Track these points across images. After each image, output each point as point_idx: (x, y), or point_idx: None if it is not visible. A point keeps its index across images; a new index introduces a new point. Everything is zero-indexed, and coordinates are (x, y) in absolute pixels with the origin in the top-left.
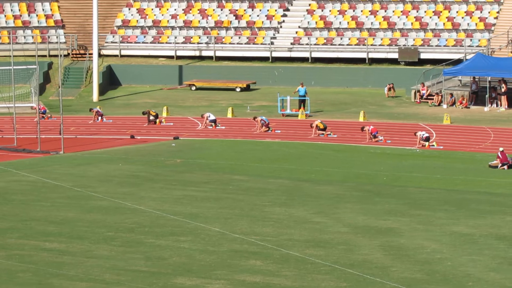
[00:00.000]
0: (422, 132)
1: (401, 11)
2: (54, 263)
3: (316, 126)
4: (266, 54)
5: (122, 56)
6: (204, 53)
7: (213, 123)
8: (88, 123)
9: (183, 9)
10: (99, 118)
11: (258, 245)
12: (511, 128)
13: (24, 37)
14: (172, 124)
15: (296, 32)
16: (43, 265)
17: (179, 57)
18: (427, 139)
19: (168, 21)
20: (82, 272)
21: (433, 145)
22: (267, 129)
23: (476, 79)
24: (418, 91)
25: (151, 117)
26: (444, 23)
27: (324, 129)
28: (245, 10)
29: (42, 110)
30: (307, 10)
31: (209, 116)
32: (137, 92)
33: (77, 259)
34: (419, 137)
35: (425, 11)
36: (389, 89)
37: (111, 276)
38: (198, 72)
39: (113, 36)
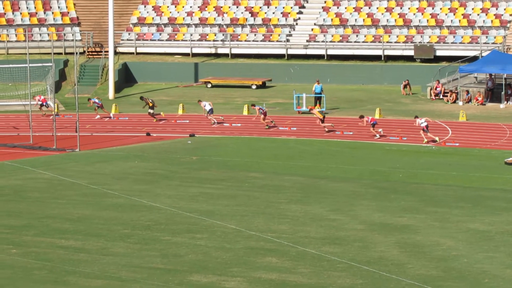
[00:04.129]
0: (422, 120)
1: (417, 8)
2: (70, 261)
3: (316, 114)
4: (282, 51)
5: (137, 53)
6: (220, 51)
7: (209, 113)
8: (95, 118)
9: (198, 7)
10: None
11: (274, 242)
12: None
13: (40, 34)
14: (188, 121)
15: (312, 29)
16: (59, 263)
17: (195, 55)
18: (427, 128)
19: (183, 18)
20: (98, 269)
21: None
22: (265, 117)
23: (492, 76)
24: (433, 88)
25: (147, 107)
26: (459, 20)
27: (323, 120)
28: (260, 7)
29: (43, 103)
30: (322, 7)
31: (205, 106)
32: (153, 89)
33: (93, 257)
34: (418, 124)
35: (440, 8)
36: (405, 86)
37: (127, 273)
38: (214, 70)
39: (129, 34)
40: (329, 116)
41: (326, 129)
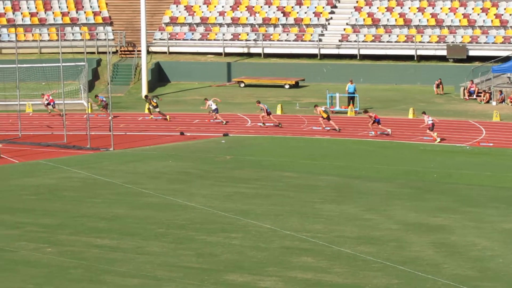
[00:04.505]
0: (429, 119)
1: (449, 8)
2: (106, 260)
3: (319, 112)
4: (314, 51)
5: (170, 53)
6: (252, 50)
7: (215, 113)
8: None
9: (230, 6)
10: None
11: (309, 241)
12: None
13: (73, 34)
14: (221, 121)
15: (344, 29)
16: (95, 261)
17: (227, 54)
18: (433, 126)
19: (216, 18)
20: (134, 268)
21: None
22: (268, 116)
23: None
24: (466, 88)
25: (150, 106)
26: (492, 20)
27: (328, 118)
28: (292, 7)
29: (51, 103)
30: (354, 7)
31: (211, 105)
32: (185, 89)
33: (128, 256)
34: (426, 122)
35: (472, 8)
36: (438, 86)
37: (163, 272)
38: (247, 69)
39: (161, 33)
40: (362, 116)
41: (337, 128)
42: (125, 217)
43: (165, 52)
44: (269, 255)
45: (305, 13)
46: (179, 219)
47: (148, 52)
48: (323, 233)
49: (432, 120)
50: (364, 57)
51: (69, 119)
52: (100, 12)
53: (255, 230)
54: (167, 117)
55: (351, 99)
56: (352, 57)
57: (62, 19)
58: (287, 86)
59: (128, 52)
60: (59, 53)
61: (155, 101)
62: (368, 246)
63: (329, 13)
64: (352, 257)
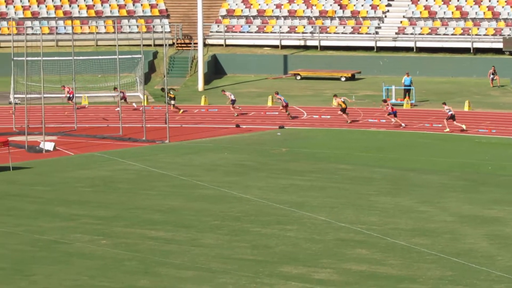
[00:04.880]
0: (448, 108)
1: (505, 1)
2: (160, 252)
3: (338, 104)
4: (371, 43)
5: (227, 45)
6: (309, 43)
7: (232, 104)
8: (115, 110)
9: None
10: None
11: (364, 234)
12: None
13: (129, 26)
14: (277, 113)
15: (401, 22)
16: (149, 254)
17: (284, 47)
18: (452, 117)
19: (272, 10)
20: (188, 260)
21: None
22: (286, 108)
23: None
24: None
25: (169, 100)
26: None
27: (345, 110)
28: (349, 0)
29: (69, 95)
30: (411, 0)
31: (231, 95)
32: (242, 81)
33: (183, 248)
34: (446, 110)
35: None
36: (493, 75)
37: (217, 264)
38: (303, 62)
39: (218, 26)
40: (418, 108)
41: (348, 121)
42: (180, 209)
43: (221, 45)
44: (323, 247)
45: (362, 5)
46: (234, 211)
47: (205, 45)
48: (377, 225)
49: (451, 111)
50: (421, 49)
51: (125, 111)
52: (157, 4)
53: (310, 222)
54: (181, 110)
55: (407, 92)
56: (408, 49)
57: (118, 11)
58: (343, 79)
59: (185, 45)
60: (115, 45)
61: (172, 93)
62: (422, 238)
63: (386, 5)
64: (406, 249)
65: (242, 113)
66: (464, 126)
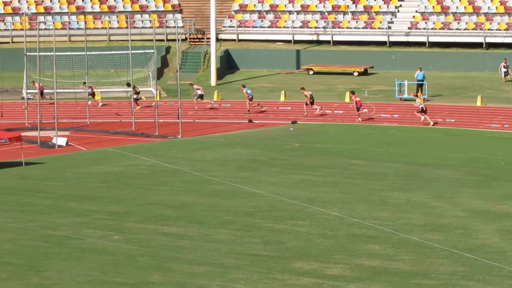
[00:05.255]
0: (419, 102)
1: None
2: (173, 247)
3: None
4: (384, 38)
5: (239, 40)
6: (322, 38)
7: (200, 99)
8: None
9: None
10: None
11: (376, 229)
12: None
13: (142, 21)
14: (289, 108)
15: (413, 17)
16: (162, 249)
17: (297, 42)
18: (423, 111)
19: (285, 5)
20: (201, 256)
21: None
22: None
23: None
24: None
25: (135, 95)
26: None
27: (312, 103)
28: None
29: (41, 90)
30: None
31: (198, 89)
32: (254, 76)
33: (196, 243)
34: (417, 103)
35: None
36: (505, 67)
37: (230, 260)
38: (316, 57)
39: (231, 21)
40: (430, 103)
41: (318, 111)
42: (192, 205)
43: (234, 40)
44: (336, 243)
45: (375, 0)
46: (247, 207)
47: (217, 40)
48: (390, 220)
49: (422, 104)
50: (433, 44)
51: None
52: None
53: (322, 217)
54: (139, 106)
55: (419, 87)
56: (421, 44)
57: (131, 6)
58: (356, 74)
59: (197, 40)
60: (128, 40)
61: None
62: (434, 233)
63: (399, 0)
64: (418, 245)
65: (261, 111)
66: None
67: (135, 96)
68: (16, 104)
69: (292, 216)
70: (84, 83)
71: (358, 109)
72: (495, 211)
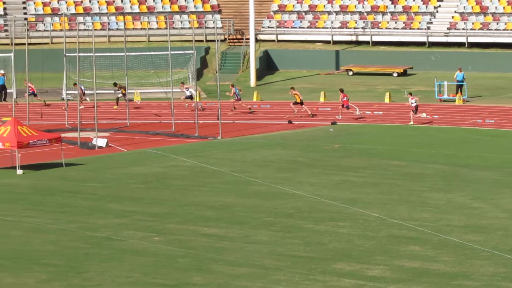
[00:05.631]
0: (413, 100)
1: None
2: (213, 248)
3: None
4: (423, 39)
5: (278, 41)
6: (361, 38)
7: (189, 99)
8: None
9: None
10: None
11: (416, 230)
12: None
13: (181, 22)
14: (329, 109)
15: (452, 17)
16: (202, 250)
17: (336, 42)
18: (416, 109)
19: (324, 6)
20: (242, 257)
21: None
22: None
23: None
24: None
25: (120, 95)
26: None
27: (301, 103)
28: None
29: (31, 91)
30: None
31: (187, 90)
32: (294, 77)
33: (236, 244)
34: (410, 102)
35: None
36: None
37: (271, 261)
38: (355, 57)
39: (270, 21)
40: (470, 104)
41: (295, 111)
42: (233, 206)
43: (273, 40)
44: (376, 244)
45: (414, 0)
46: (287, 208)
47: (257, 40)
48: (430, 221)
49: (416, 103)
50: (472, 45)
51: (177, 108)
52: (209, 0)
53: (363, 218)
54: (115, 106)
55: (459, 87)
56: (460, 45)
57: (170, 7)
58: (395, 74)
59: (237, 40)
60: (167, 41)
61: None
62: (475, 234)
63: (438, 0)
64: (459, 246)
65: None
66: (424, 114)
67: (119, 96)
68: (56, 105)
69: (332, 217)
70: (75, 84)
71: (347, 108)
72: None
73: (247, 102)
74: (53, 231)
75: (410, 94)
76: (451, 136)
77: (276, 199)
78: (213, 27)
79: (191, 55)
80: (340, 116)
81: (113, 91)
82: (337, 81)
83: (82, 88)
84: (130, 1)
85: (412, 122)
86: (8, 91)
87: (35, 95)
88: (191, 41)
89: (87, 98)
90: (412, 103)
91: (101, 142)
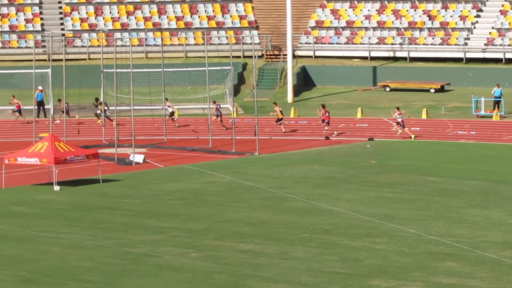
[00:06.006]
0: (400, 116)
1: None
2: (250, 265)
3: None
4: (460, 55)
5: (316, 57)
6: (398, 54)
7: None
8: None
9: (376, 10)
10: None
11: (453, 246)
12: None
13: (218, 38)
14: (366, 125)
15: (490, 33)
16: (239, 267)
17: (373, 58)
18: (403, 123)
19: (361, 21)
20: (278, 273)
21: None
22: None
23: None
24: None
25: (99, 111)
26: None
27: (281, 119)
28: (438, 11)
29: (16, 109)
30: (500, 10)
31: (169, 107)
32: (331, 93)
33: (273, 261)
34: (396, 116)
35: None
36: None
37: (307, 277)
38: (392, 73)
39: (307, 37)
40: (507, 120)
41: (283, 130)
42: (269, 222)
43: (310, 56)
44: (413, 260)
45: (451, 16)
46: (324, 224)
47: (294, 56)
48: (467, 238)
49: (401, 118)
50: (510, 61)
51: (214, 124)
52: (246, 16)
53: (399, 235)
54: (99, 121)
55: (496, 103)
56: (497, 61)
57: (208, 23)
58: (432, 90)
59: (274, 56)
60: (204, 57)
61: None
62: None
63: (475, 16)
64: (496, 262)
65: (334, 129)
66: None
67: (97, 112)
68: (93, 121)
69: (369, 234)
70: (59, 100)
71: (328, 123)
72: None
73: (285, 118)
74: (90, 247)
75: (398, 108)
76: (489, 152)
77: (313, 216)
78: (251, 43)
79: (228, 71)
80: (326, 129)
81: (148, 107)
82: (374, 97)
83: (66, 104)
84: (167, 17)
85: (400, 131)
86: (45, 107)
87: (20, 112)
88: (228, 57)
89: (72, 115)
90: (397, 118)
91: (138, 158)
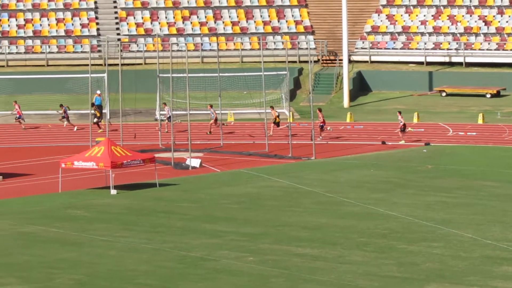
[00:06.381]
0: (401, 120)
1: None
2: (307, 268)
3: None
4: None
5: (372, 62)
6: (454, 59)
7: (168, 120)
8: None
9: (432, 15)
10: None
11: (510, 251)
12: None
13: (274, 43)
14: (423, 130)
15: None
16: (296, 270)
17: (429, 63)
18: (404, 127)
19: (417, 27)
20: (335, 277)
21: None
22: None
23: None
24: None
25: (95, 119)
26: None
27: (277, 123)
28: (494, 16)
29: (17, 115)
30: None
31: (169, 110)
32: (387, 98)
33: (330, 265)
34: (400, 121)
35: None
36: None
37: (364, 282)
38: (448, 78)
39: (363, 42)
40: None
41: (271, 133)
42: (326, 226)
43: (366, 61)
44: (470, 264)
45: (507, 22)
46: (381, 228)
47: (350, 61)
48: None
49: (403, 122)
50: None
51: (270, 128)
52: (302, 21)
53: (456, 239)
54: (100, 130)
55: None
56: None
57: (263, 28)
58: (488, 95)
59: (330, 61)
60: (260, 62)
61: (99, 110)
62: None
63: None
64: None
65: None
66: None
67: (94, 120)
68: (150, 125)
69: (425, 238)
70: (61, 105)
71: (321, 128)
72: None
73: (341, 123)
74: (147, 251)
75: (399, 112)
76: None
77: (369, 220)
78: (306, 48)
79: (284, 76)
80: (321, 137)
81: (204, 112)
82: (430, 102)
83: (67, 109)
84: (223, 22)
85: (403, 141)
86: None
87: (20, 118)
88: (284, 62)
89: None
90: (400, 121)
91: (195, 163)
